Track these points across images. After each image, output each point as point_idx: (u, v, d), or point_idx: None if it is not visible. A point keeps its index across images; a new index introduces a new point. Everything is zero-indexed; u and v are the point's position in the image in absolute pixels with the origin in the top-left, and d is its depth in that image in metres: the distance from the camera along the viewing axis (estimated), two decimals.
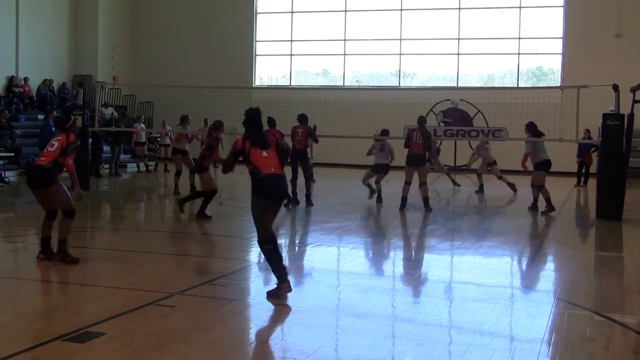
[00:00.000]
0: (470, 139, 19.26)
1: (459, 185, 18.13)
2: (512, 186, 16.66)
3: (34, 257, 7.93)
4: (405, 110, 21.34)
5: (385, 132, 15.25)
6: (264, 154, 6.66)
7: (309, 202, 13.73)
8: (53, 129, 16.69)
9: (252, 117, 6.81)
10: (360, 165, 19.47)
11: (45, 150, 7.95)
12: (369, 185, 14.83)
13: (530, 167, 13.62)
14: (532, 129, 13.58)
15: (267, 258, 6.70)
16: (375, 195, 14.48)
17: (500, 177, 16.92)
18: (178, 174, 15.95)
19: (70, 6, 26.97)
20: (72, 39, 27.17)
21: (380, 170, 14.57)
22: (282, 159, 6.82)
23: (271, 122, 13.49)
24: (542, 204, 13.32)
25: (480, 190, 17.04)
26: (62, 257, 7.91)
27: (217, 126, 12.21)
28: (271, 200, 6.68)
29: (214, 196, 11.97)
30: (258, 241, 6.74)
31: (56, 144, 7.86)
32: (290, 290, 6.56)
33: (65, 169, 7.88)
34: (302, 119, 14.20)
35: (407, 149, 13.36)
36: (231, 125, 15.85)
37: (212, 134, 12.12)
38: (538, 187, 13.29)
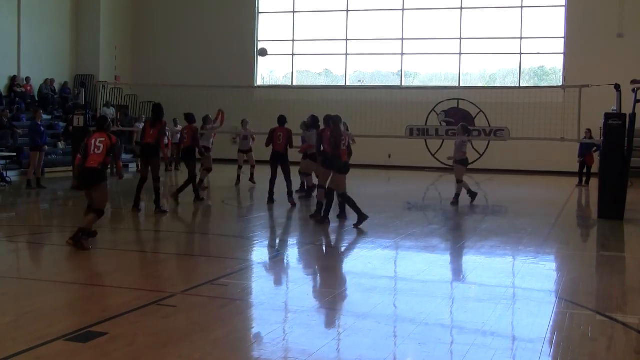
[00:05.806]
0: (472, 139, 19.26)
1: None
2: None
3: (35, 257, 7.92)
4: (407, 109, 21.39)
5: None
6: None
7: (290, 200, 13.89)
8: (42, 128, 16.72)
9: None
10: (361, 165, 19.45)
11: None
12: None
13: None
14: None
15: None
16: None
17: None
18: (208, 170, 16.10)
19: (72, 6, 26.99)
20: (74, 38, 27.19)
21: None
22: None
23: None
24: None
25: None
26: (76, 242, 8.63)
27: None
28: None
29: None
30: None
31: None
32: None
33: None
34: (282, 121, 14.23)
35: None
36: (232, 125, 15.84)
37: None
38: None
